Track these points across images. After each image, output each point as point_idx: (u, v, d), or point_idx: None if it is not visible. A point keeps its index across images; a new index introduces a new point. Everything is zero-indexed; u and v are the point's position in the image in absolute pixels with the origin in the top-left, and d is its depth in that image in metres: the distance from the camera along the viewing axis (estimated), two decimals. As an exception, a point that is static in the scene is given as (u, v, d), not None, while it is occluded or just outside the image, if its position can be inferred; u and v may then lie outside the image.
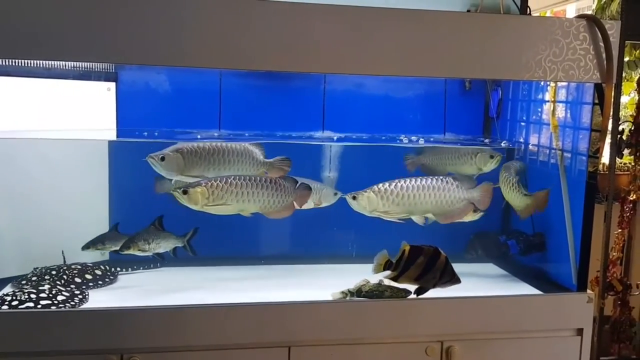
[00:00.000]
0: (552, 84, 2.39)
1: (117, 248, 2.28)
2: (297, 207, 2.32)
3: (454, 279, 2.09)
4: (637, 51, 3.74)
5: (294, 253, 2.65)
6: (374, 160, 2.63)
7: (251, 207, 2.24)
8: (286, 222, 2.64)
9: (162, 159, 2.18)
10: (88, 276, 2.33)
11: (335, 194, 2.58)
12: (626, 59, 3.74)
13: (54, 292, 2.10)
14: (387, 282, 2.14)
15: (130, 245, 2.25)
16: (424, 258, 2.06)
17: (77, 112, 2.38)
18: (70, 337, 1.87)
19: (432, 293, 2.13)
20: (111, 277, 2.41)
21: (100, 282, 2.34)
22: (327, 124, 2.64)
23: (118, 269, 2.46)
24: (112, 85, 2.48)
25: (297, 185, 2.32)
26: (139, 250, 2.26)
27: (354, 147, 2.68)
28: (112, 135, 2.47)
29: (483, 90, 2.79)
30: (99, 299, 2.13)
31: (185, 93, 2.53)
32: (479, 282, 2.43)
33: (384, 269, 2.12)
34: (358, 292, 2.14)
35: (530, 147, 2.59)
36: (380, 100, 2.69)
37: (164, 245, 2.34)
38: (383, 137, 2.69)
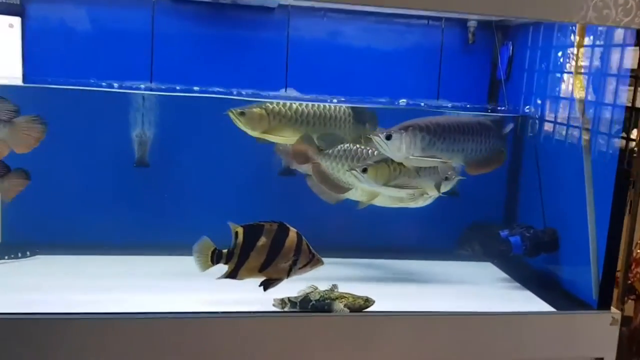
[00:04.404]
0: (579, 36, 1.99)
1: None
2: (5, 198, 1.85)
3: (313, 260, 1.71)
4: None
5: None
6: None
7: None
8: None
9: None
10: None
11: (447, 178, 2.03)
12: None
13: None
14: (341, 288, 1.79)
15: None
16: (267, 239, 1.66)
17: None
18: None
19: (405, 305, 1.80)
20: None
21: None
22: (291, 80, 2.24)
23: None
24: (17, 20, 2.12)
25: (7, 173, 1.82)
26: None
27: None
28: (17, 82, 2.11)
29: (490, 45, 2.41)
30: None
31: (109, 34, 2.18)
32: (470, 289, 2.11)
33: (214, 262, 1.66)
34: (304, 302, 1.73)
35: (545, 118, 2.23)
36: (359, 53, 2.33)
37: None
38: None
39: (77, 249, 2.13)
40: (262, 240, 1.66)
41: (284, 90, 2.28)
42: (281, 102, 2.04)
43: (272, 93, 2.23)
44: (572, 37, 2.07)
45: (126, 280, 1.95)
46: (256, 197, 2.27)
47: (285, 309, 1.74)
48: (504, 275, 2.27)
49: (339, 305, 1.68)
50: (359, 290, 1.80)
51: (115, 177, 2.18)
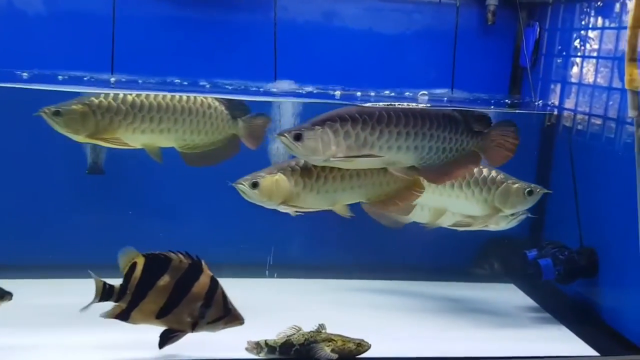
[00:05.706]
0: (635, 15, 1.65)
1: None
2: None
3: (228, 317, 1.42)
4: None
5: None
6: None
7: None
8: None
9: None
10: None
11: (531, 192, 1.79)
12: None
13: None
14: (340, 317, 1.59)
15: None
16: (171, 278, 1.37)
17: None
18: None
19: (416, 348, 1.56)
20: None
21: None
22: (281, 71, 2.04)
23: None
24: (-46, 0, 1.99)
25: None
26: None
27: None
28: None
29: (513, 26, 2.26)
30: None
31: (62, 16, 2.01)
32: (494, 324, 1.88)
33: (103, 299, 1.39)
34: (284, 346, 1.50)
35: (582, 113, 2.04)
36: (361, 37, 2.17)
37: None
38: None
39: (23, 270, 1.91)
40: (165, 279, 1.37)
41: (275, 81, 2.09)
42: (112, 93, 1.66)
43: (253, 85, 2.03)
44: (618, 16, 1.82)
45: (69, 314, 1.59)
46: (238, 209, 2.02)
47: (262, 356, 1.52)
48: (529, 301, 2.13)
49: (325, 351, 1.42)
50: (359, 323, 1.61)
51: (64, 186, 1.98)
